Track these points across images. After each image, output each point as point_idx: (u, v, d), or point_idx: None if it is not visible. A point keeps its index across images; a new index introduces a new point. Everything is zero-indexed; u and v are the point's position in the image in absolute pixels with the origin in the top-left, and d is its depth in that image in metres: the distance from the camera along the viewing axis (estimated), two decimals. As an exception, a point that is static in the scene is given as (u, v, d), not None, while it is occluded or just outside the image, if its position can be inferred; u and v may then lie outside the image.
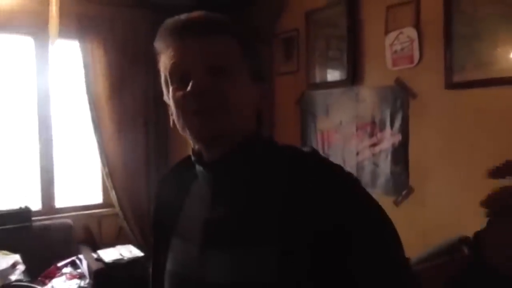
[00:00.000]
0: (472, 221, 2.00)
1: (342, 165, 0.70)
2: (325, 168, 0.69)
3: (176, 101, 0.72)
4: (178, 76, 0.71)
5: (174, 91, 0.72)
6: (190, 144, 0.78)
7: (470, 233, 1.87)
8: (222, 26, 0.72)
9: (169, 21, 0.73)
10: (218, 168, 0.73)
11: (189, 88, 0.68)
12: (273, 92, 3.14)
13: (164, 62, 0.73)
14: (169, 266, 0.78)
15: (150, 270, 0.86)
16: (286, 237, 0.63)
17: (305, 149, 0.73)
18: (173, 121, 0.75)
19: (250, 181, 0.72)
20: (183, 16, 0.73)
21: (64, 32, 2.74)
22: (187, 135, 0.73)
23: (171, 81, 0.72)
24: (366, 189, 0.68)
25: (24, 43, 3.31)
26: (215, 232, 0.71)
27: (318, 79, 2.86)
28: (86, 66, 3.34)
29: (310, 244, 0.62)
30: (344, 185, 0.67)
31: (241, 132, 0.72)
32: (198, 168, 0.76)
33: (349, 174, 0.69)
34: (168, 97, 0.74)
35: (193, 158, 0.77)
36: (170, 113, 0.77)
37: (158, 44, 0.74)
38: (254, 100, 0.74)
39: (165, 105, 0.77)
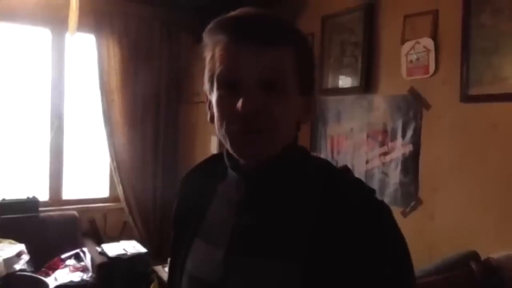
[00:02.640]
0: (481, 236, 1.96)
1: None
2: (358, 195, 0.67)
3: (221, 111, 0.68)
4: (227, 83, 0.66)
5: (220, 97, 0.67)
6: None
7: (478, 247, 1.84)
8: (282, 34, 0.67)
9: (223, 17, 0.68)
10: (253, 177, 0.72)
11: (239, 105, 0.64)
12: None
13: (212, 60, 0.68)
14: (189, 266, 0.75)
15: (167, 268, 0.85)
16: (313, 258, 0.63)
17: (339, 166, 0.73)
18: (211, 116, 0.72)
19: (283, 193, 0.70)
20: (240, 13, 0.67)
21: (81, 26, 2.76)
22: (226, 145, 0.70)
23: (218, 85, 0.68)
24: (395, 219, 0.67)
25: (41, 34, 3.35)
26: (243, 239, 0.70)
27: (330, 85, 2.84)
28: (100, 60, 3.38)
29: (335, 268, 0.62)
30: (373, 217, 0.65)
31: (282, 146, 0.70)
32: (231, 172, 0.74)
33: (381, 204, 0.68)
34: (210, 94, 0.71)
35: (227, 163, 0.74)
36: (207, 106, 0.74)
37: (208, 38, 0.69)
38: (299, 113, 0.71)
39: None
